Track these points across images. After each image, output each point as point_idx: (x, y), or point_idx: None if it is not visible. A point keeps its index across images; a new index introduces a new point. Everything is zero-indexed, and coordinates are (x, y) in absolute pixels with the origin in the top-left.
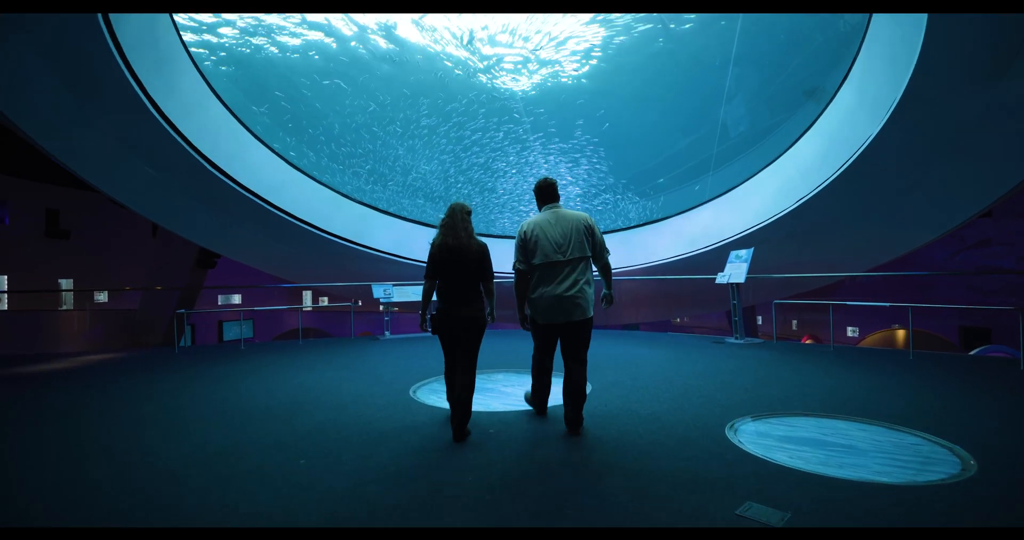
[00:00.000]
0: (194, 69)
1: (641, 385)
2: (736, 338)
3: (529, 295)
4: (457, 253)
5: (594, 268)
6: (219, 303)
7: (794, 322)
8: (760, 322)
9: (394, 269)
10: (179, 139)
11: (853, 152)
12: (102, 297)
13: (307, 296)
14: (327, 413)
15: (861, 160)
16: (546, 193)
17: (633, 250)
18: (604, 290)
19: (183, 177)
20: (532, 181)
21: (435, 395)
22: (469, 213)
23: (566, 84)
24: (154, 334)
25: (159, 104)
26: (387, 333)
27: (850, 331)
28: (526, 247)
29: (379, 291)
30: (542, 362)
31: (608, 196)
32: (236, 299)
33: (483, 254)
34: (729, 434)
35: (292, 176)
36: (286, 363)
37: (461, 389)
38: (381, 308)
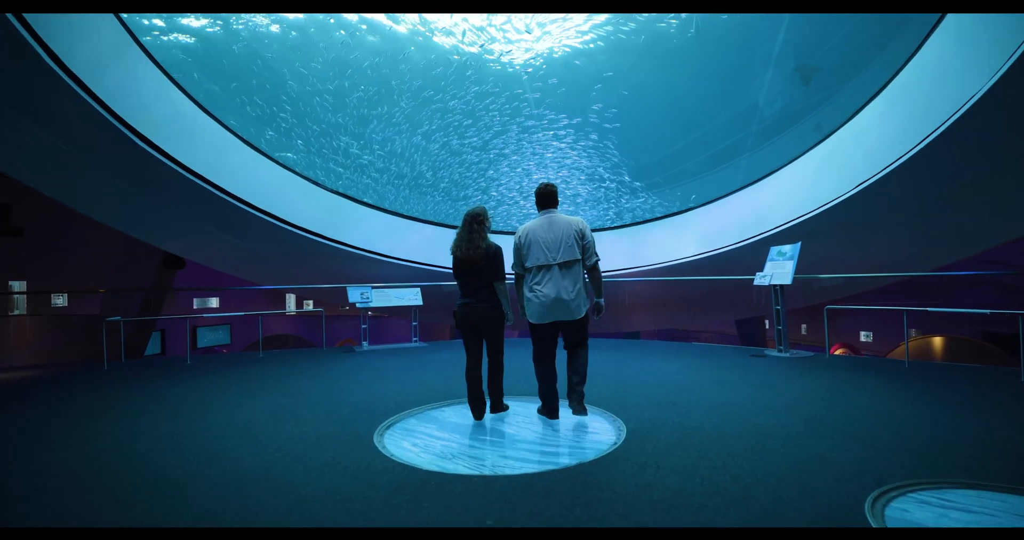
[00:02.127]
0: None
1: (696, 426)
2: (780, 351)
3: (524, 296)
4: (467, 263)
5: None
6: (195, 307)
7: (803, 326)
8: (767, 326)
9: (376, 269)
10: (91, 101)
11: (943, 120)
12: (61, 301)
13: (291, 300)
14: (238, 481)
15: (953, 130)
16: (544, 198)
17: (648, 247)
18: (594, 298)
19: (105, 154)
20: (533, 168)
21: (411, 439)
22: (482, 222)
23: (576, 52)
24: (116, 343)
25: (53, 49)
26: (364, 344)
27: (863, 336)
28: (520, 251)
29: (355, 294)
30: (540, 356)
31: (621, 184)
32: (214, 302)
33: (492, 258)
34: (877, 525)
35: (247, 156)
36: (229, 386)
37: (492, 372)
38: (370, 314)
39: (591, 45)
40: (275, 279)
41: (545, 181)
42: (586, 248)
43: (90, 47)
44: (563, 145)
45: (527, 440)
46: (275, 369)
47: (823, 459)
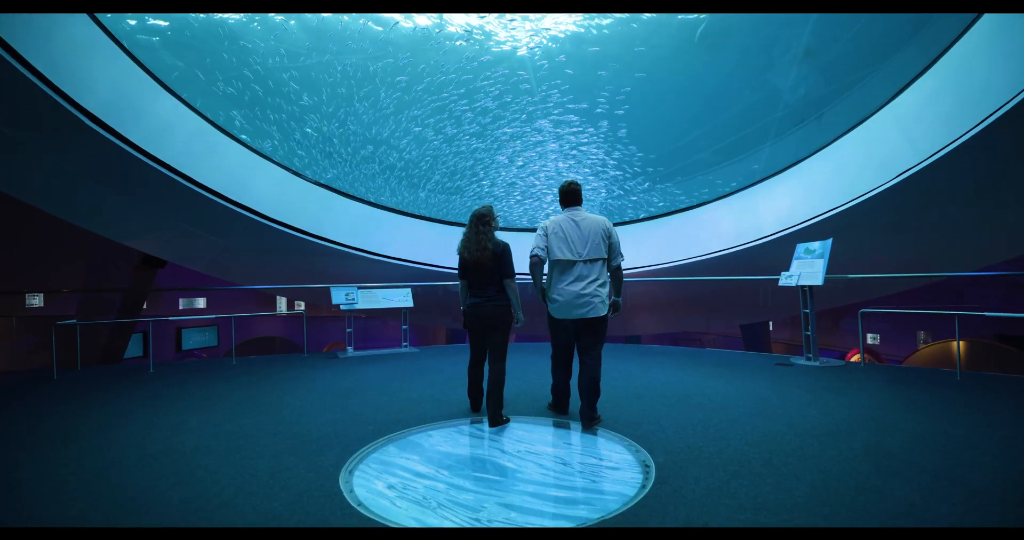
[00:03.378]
0: None
1: (739, 459)
2: (808, 359)
3: (546, 291)
4: (475, 264)
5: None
6: (180, 307)
7: None
8: (771, 328)
9: (364, 268)
10: (28, 74)
11: (1011, 96)
12: (37, 301)
13: (282, 301)
14: None
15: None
16: (569, 196)
17: (658, 245)
18: (613, 297)
19: (53, 136)
20: (536, 157)
21: (387, 478)
22: (488, 222)
23: (586, 32)
24: (93, 346)
25: None
26: (349, 349)
27: (871, 338)
28: (547, 238)
29: (339, 295)
30: (558, 354)
31: (630, 175)
32: (201, 303)
33: (501, 257)
34: None
35: (217, 142)
36: (186, 401)
37: (492, 382)
38: (363, 315)
39: (600, 28)
40: (254, 278)
41: (569, 179)
42: (612, 248)
43: (27, 16)
44: (570, 132)
45: (533, 480)
46: (244, 379)
47: (920, 512)
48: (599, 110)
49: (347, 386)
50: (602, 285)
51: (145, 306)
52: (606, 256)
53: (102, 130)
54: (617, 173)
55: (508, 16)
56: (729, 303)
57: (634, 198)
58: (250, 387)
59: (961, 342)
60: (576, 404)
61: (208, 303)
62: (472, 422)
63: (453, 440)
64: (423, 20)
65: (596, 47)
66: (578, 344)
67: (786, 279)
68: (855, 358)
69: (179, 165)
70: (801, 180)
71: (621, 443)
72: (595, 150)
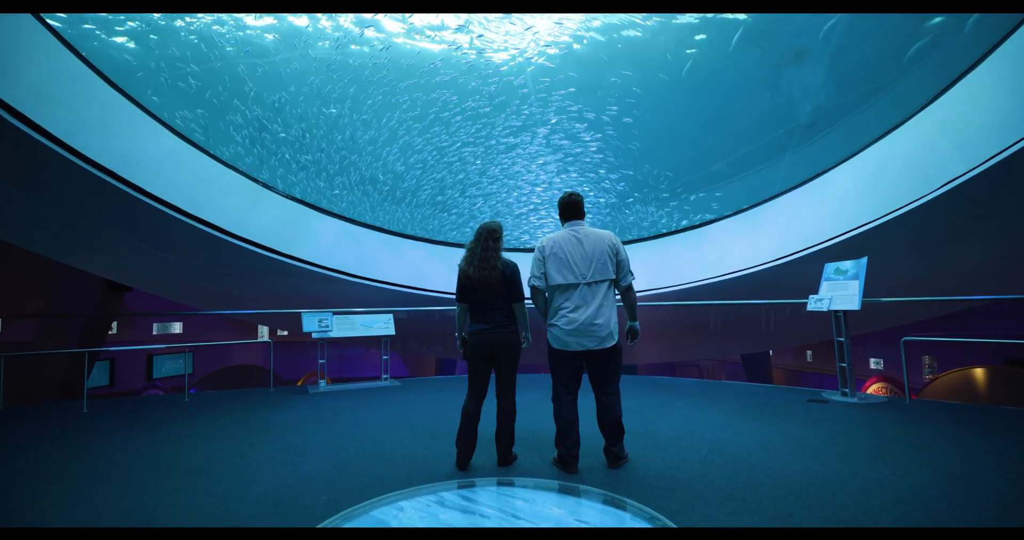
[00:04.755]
0: None
1: None
2: (845, 394)
3: (547, 319)
4: (480, 284)
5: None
6: (154, 332)
7: (808, 353)
8: (771, 354)
9: (341, 292)
10: None
11: None
12: None
13: (263, 329)
14: None
15: None
16: (569, 209)
17: (664, 266)
18: (628, 322)
19: None
20: (536, 169)
21: None
22: (498, 238)
23: (593, 36)
24: (50, 376)
25: None
26: (322, 383)
27: (873, 363)
28: (544, 262)
29: (311, 322)
30: (561, 394)
31: (634, 189)
32: (177, 328)
33: (511, 278)
34: None
35: (172, 147)
36: (100, 458)
37: (502, 418)
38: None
39: (591, 20)
40: (217, 302)
41: (569, 190)
42: (620, 266)
43: None
44: (572, 142)
45: None
46: (186, 425)
47: None
48: (605, 117)
49: (307, 433)
50: (612, 311)
51: (115, 331)
52: (614, 277)
53: (34, 132)
54: (622, 186)
55: (512, 15)
56: (740, 330)
57: (640, 214)
58: (189, 435)
59: (979, 369)
60: (587, 459)
61: (184, 329)
62: (460, 485)
63: (431, 516)
64: (416, 20)
65: (604, 51)
66: (591, 380)
67: (815, 303)
68: (872, 389)
69: (133, 176)
70: (826, 193)
71: (653, 523)
72: (600, 160)
